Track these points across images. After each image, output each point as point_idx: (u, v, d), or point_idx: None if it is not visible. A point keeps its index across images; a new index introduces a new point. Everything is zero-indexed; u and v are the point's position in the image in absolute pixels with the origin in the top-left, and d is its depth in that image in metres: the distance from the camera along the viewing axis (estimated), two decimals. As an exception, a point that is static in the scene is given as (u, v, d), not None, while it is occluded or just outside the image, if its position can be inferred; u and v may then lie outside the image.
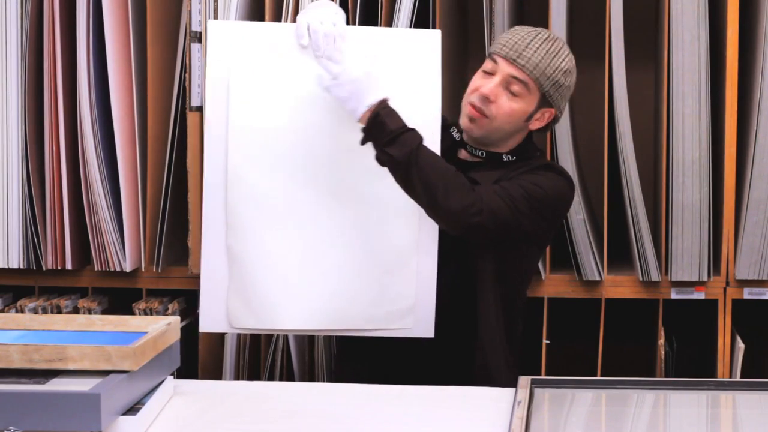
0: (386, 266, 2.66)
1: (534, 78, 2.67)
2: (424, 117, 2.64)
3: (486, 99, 2.66)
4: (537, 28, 2.74)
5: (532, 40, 2.67)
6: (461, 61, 3.79)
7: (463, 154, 2.78)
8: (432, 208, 2.56)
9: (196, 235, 3.30)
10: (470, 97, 2.70)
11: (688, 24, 3.17)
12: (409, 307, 2.65)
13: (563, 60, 2.70)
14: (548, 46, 2.68)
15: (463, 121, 2.71)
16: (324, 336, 3.23)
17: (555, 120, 2.76)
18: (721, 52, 3.23)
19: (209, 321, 2.71)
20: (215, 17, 3.21)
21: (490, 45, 3.00)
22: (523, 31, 2.71)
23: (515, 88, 2.67)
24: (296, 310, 2.65)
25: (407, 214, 2.63)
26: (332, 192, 2.65)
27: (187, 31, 3.25)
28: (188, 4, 3.25)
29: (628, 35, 3.19)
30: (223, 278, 2.68)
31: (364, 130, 2.56)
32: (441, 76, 2.67)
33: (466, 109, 2.70)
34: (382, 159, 2.56)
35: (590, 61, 3.26)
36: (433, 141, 2.63)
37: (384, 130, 2.54)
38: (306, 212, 2.65)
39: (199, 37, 3.25)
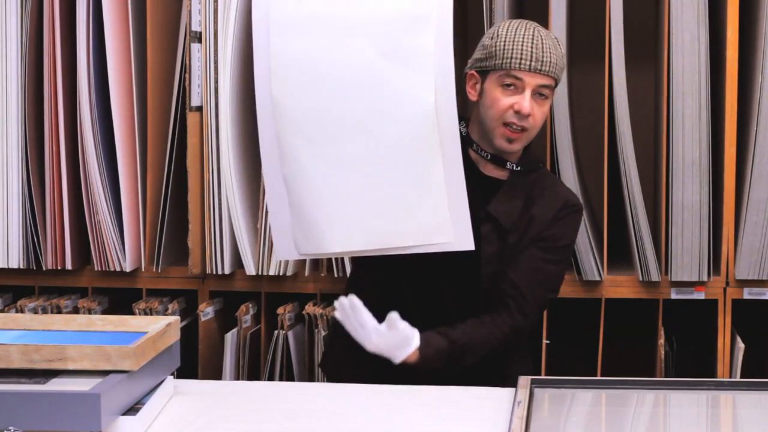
0: (413, 180, 2.63)
1: (556, 77, 2.70)
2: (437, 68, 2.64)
3: (526, 116, 2.67)
4: (527, 23, 2.72)
5: (542, 43, 2.67)
6: (461, 62, 3.78)
7: (472, 155, 2.77)
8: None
9: (196, 235, 3.30)
10: (504, 117, 2.68)
11: (688, 24, 3.17)
12: (444, 219, 2.63)
13: (559, 44, 2.72)
14: (550, 41, 2.69)
15: (500, 143, 2.70)
16: (324, 336, 3.24)
17: None
18: (721, 52, 3.23)
19: (282, 251, 2.75)
20: (215, 17, 3.21)
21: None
22: (524, 35, 2.68)
23: (545, 92, 2.69)
24: (341, 233, 2.66)
25: (428, 131, 2.62)
26: (360, 112, 2.63)
27: (187, 31, 3.25)
28: (188, 4, 3.25)
29: (628, 35, 3.19)
30: (286, 207, 2.71)
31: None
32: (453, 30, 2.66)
33: (500, 131, 2.69)
34: None
35: (590, 61, 3.27)
36: (449, 94, 2.63)
37: (436, 367, 2.66)
38: (340, 135, 2.64)
39: (199, 37, 3.25)
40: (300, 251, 2.71)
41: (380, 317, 2.60)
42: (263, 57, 2.69)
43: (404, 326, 2.59)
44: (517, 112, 2.66)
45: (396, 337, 2.59)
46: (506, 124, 2.68)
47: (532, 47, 2.66)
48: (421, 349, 2.61)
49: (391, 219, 2.64)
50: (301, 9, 2.66)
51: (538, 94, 2.68)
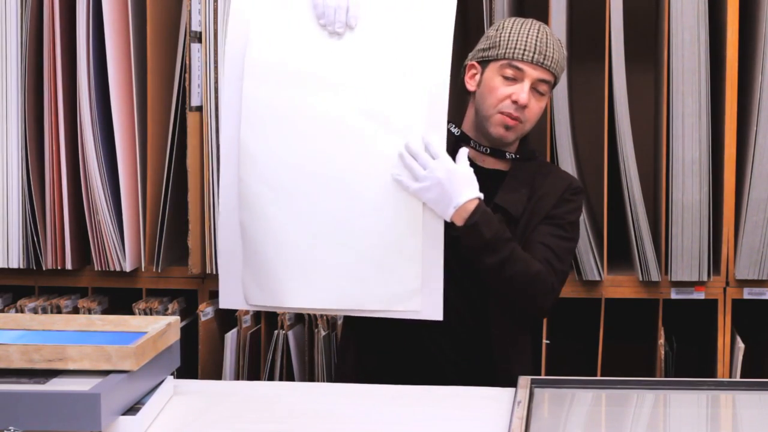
0: (390, 246, 2.60)
1: (556, 74, 2.71)
2: (432, 79, 2.60)
3: (522, 107, 2.68)
4: (532, 21, 2.73)
5: (547, 39, 2.69)
6: (461, 62, 3.78)
7: (472, 153, 2.76)
8: (511, 304, 2.69)
9: (196, 235, 3.30)
10: (501, 106, 2.68)
11: (688, 24, 3.17)
12: (415, 288, 2.60)
13: (561, 46, 2.74)
14: (554, 38, 2.72)
15: (496, 130, 2.70)
16: (324, 336, 3.24)
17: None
18: (721, 52, 3.23)
19: (228, 298, 2.69)
20: (215, 17, 3.22)
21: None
22: (530, 29, 2.70)
23: (543, 88, 2.70)
24: (303, 289, 2.62)
25: (410, 198, 2.60)
26: (340, 170, 2.60)
27: (187, 31, 3.26)
28: (188, 4, 3.25)
29: (628, 35, 3.19)
30: (239, 254, 2.66)
31: (460, 233, 2.60)
32: (453, 38, 2.62)
33: (497, 118, 2.69)
34: (472, 259, 2.62)
35: (590, 61, 3.27)
36: (440, 103, 2.59)
37: (481, 239, 2.59)
38: (314, 190, 2.61)
39: (199, 37, 3.25)
40: (249, 301, 2.66)
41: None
42: (233, 97, 2.64)
43: (470, 168, 2.61)
44: (515, 102, 2.67)
45: (462, 173, 2.58)
46: (503, 113, 2.68)
47: (536, 40, 2.68)
48: (480, 203, 2.59)
49: (358, 281, 2.60)
50: (272, 56, 2.61)
51: (536, 90, 2.68)
